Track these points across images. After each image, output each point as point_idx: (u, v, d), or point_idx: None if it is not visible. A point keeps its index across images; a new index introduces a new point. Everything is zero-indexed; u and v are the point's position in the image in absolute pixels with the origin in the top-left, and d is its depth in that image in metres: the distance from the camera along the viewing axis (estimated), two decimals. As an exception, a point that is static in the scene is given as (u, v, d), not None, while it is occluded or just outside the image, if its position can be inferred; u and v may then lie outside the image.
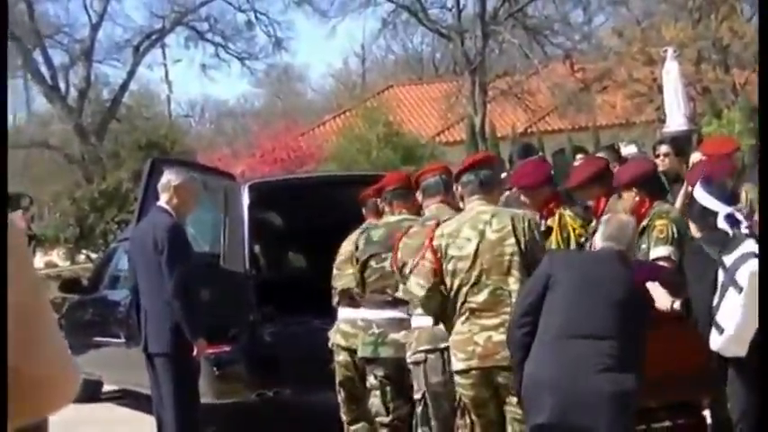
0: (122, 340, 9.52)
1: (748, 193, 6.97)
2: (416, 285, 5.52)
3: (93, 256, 25.84)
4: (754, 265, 5.02)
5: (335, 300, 7.10)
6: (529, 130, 34.74)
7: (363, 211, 7.29)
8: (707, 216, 5.41)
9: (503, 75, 34.61)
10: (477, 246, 5.39)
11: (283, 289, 8.21)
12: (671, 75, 18.28)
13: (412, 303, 5.76)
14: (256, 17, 39.29)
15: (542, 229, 6.73)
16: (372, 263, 6.61)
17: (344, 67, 58.06)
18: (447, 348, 5.62)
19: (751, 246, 5.10)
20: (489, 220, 5.44)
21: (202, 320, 7.20)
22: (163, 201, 7.34)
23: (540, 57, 34.03)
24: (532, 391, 5.03)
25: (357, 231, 7.00)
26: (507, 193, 7.62)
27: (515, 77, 34.15)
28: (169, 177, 7.36)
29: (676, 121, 17.94)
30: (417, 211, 6.60)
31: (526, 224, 5.48)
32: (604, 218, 5.62)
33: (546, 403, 4.93)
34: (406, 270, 5.86)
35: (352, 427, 7.05)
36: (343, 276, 7.01)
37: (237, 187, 8.79)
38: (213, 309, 7.77)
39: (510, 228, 5.40)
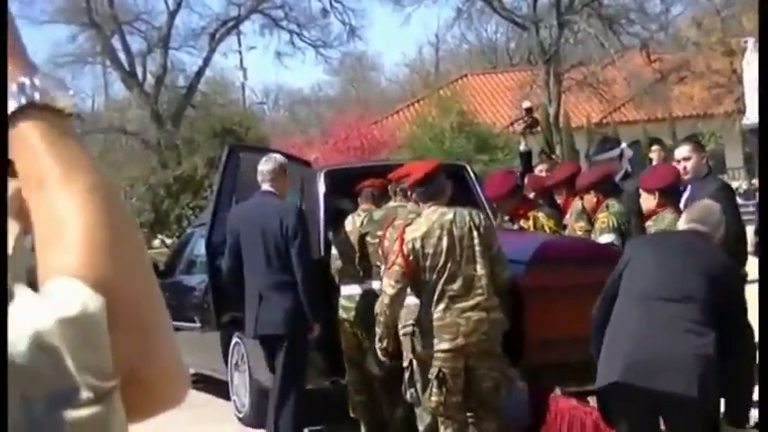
0: (198, 324, 9.59)
1: None
2: (388, 286, 6.53)
3: (168, 241, 26.12)
4: None
5: (336, 278, 7.94)
6: (604, 121, 34.44)
7: (359, 199, 8.09)
8: None
9: (578, 64, 34.35)
10: (448, 243, 6.43)
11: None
12: (751, 66, 17.97)
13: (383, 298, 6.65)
14: (331, 5, 39.45)
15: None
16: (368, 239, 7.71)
17: (418, 56, 58.15)
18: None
19: None
20: (453, 220, 6.49)
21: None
22: (269, 185, 7.59)
23: (616, 47, 33.65)
24: (607, 351, 5.00)
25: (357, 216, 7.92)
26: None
27: (591, 67, 33.86)
28: (281, 162, 7.68)
29: (756, 113, 17.60)
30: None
31: (478, 218, 6.61)
32: (691, 205, 5.72)
33: (619, 362, 4.88)
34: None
35: (352, 387, 7.90)
36: (341, 257, 7.94)
37: (314, 174, 8.80)
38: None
39: (470, 224, 6.48)
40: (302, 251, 7.41)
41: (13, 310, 1.02)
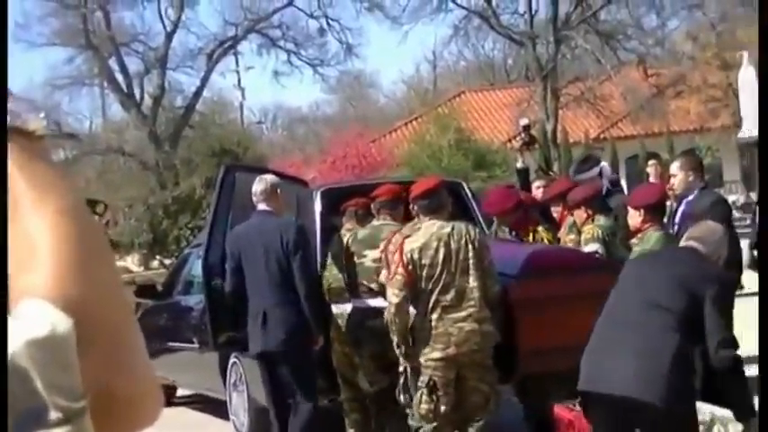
0: (196, 345, 9.59)
1: None
2: (392, 295, 6.75)
3: (167, 261, 26.08)
4: None
5: (327, 297, 7.97)
6: (601, 136, 34.47)
7: (343, 219, 8.15)
8: None
9: (575, 80, 34.37)
10: (444, 255, 6.67)
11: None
12: (747, 79, 18.00)
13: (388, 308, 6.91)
14: (328, 24, 39.47)
15: None
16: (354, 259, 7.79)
17: (416, 74, 58.19)
18: None
19: None
20: (451, 233, 6.73)
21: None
22: (265, 205, 7.61)
23: (613, 62, 33.69)
24: (582, 361, 5.10)
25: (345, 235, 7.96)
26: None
27: (588, 83, 33.90)
28: (272, 182, 7.69)
29: (752, 126, 17.64)
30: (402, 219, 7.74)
31: (474, 232, 6.84)
32: (695, 224, 5.76)
33: (586, 371, 5.01)
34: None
35: (347, 405, 7.99)
36: (331, 276, 7.99)
37: (310, 193, 8.82)
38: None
39: (466, 238, 6.70)
40: (304, 265, 7.48)
41: None
